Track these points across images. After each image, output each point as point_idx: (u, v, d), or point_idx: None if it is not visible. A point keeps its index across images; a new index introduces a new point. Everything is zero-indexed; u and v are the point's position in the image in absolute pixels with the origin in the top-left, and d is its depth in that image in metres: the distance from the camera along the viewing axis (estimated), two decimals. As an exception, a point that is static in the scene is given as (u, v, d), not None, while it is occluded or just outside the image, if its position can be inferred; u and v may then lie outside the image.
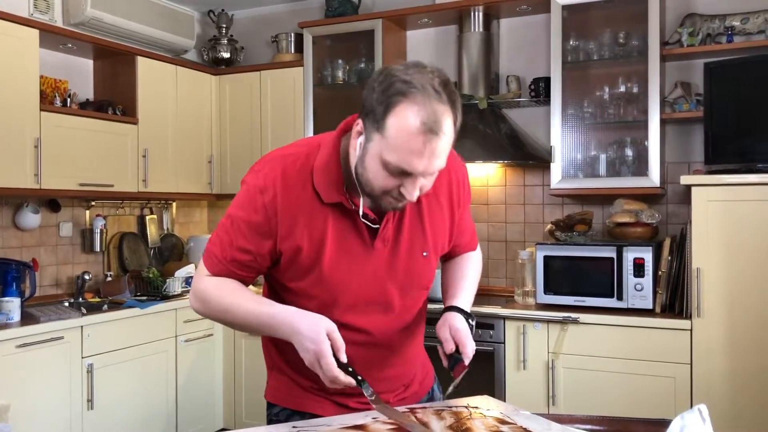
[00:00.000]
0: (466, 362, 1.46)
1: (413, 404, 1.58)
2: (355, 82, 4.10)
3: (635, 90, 3.50)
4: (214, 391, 3.96)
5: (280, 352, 1.57)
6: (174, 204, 4.47)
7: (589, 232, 3.49)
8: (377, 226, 1.42)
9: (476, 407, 1.53)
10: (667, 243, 3.22)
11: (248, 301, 1.41)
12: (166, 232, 4.41)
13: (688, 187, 3.05)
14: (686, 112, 3.43)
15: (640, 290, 3.18)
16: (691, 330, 2.99)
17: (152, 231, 4.23)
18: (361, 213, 1.39)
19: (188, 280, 4.02)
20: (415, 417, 1.47)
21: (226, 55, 4.50)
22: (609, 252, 3.24)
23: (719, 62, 3.21)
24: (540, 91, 3.69)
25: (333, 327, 1.33)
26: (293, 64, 4.21)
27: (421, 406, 1.55)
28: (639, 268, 3.19)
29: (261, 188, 1.37)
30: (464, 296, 1.59)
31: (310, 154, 1.41)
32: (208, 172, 4.35)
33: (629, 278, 3.19)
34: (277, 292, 1.52)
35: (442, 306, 1.59)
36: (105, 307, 3.46)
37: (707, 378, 2.95)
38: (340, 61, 4.12)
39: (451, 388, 1.51)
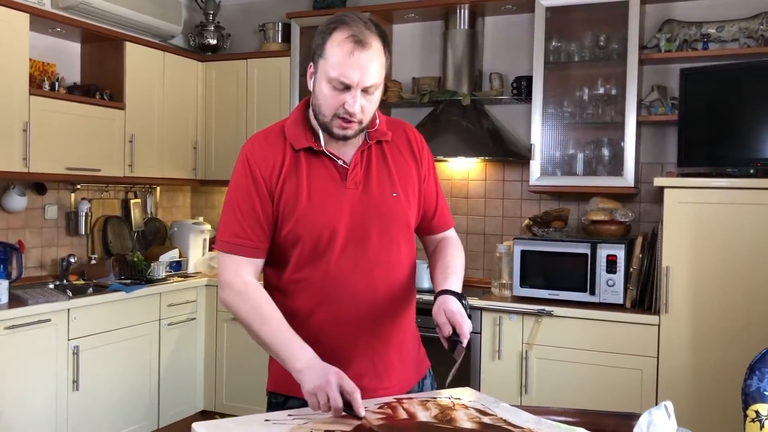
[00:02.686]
0: (464, 342, 1.54)
1: (400, 394, 1.68)
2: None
3: (613, 92, 3.61)
4: (195, 373, 4.04)
5: None
6: (158, 188, 4.51)
7: (564, 229, 3.62)
8: (346, 167, 1.62)
9: (459, 398, 1.64)
10: (639, 241, 3.35)
11: (274, 330, 1.56)
12: (149, 216, 4.45)
13: (661, 188, 3.17)
14: (661, 115, 3.55)
15: (611, 286, 3.31)
16: (658, 325, 3.13)
17: (136, 215, 4.26)
18: (323, 146, 1.61)
19: (172, 265, 4.08)
20: (402, 407, 1.57)
21: (213, 41, 4.53)
22: (583, 248, 3.37)
23: (695, 68, 3.33)
24: (522, 89, 3.79)
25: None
26: (280, 53, 4.25)
27: (407, 396, 1.65)
28: (611, 265, 3.32)
29: (246, 157, 1.62)
30: (454, 279, 1.68)
31: (281, 122, 1.68)
32: (193, 158, 4.39)
33: (602, 274, 3.33)
34: (271, 260, 1.66)
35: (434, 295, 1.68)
36: (90, 290, 3.51)
37: (673, 371, 3.10)
38: (326, 53, 4.16)
39: (450, 377, 1.59)
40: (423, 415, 1.52)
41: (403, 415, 1.52)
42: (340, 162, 1.62)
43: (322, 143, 1.61)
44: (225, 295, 1.62)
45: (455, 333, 1.55)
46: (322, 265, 1.60)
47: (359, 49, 1.50)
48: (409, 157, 1.72)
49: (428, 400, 1.62)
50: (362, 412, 1.42)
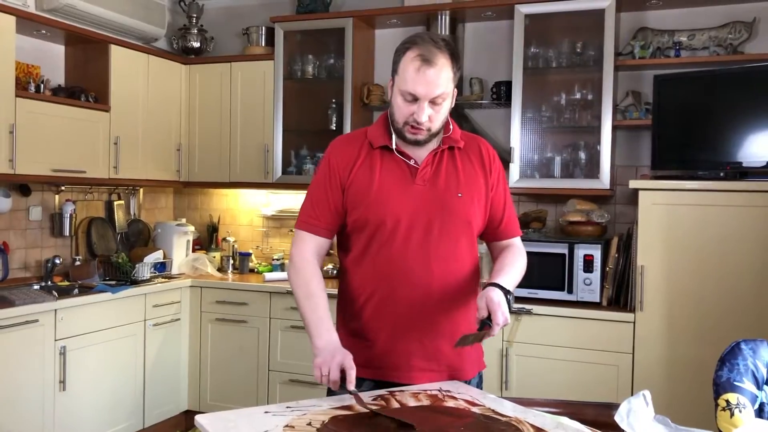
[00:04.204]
0: (495, 330, 1.66)
1: (394, 388, 1.75)
2: (324, 77, 4.22)
3: (590, 97, 3.70)
4: (179, 373, 4.07)
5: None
6: (141, 190, 4.53)
7: (543, 230, 3.72)
8: (417, 166, 1.81)
9: (448, 390, 1.72)
10: (614, 241, 3.46)
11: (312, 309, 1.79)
12: (133, 217, 4.46)
13: (635, 191, 3.27)
14: (636, 119, 3.66)
15: (588, 284, 3.42)
16: (633, 322, 3.23)
17: (119, 216, 4.28)
18: (394, 146, 1.82)
19: (156, 266, 4.10)
20: (395, 399, 1.64)
21: (196, 44, 4.56)
22: (561, 248, 3.47)
23: (667, 75, 3.43)
24: (501, 94, 3.87)
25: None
26: (264, 57, 4.30)
27: (399, 389, 1.73)
28: (588, 264, 3.42)
29: (328, 153, 1.89)
30: (507, 277, 1.81)
31: (363, 129, 1.92)
32: (177, 160, 4.41)
33: (579, 273, 3.43)
34: (344, 244, 1.92)
35: None
36: (76, 291, 3.53)
37: (647, 366, 3.20)
38: (310, 56, 4.23)
39: (459, 341, 1.69)
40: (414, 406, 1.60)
41: (395, 405, 1.60)
42: (411, 162, 1.82)
43: (394, 144, 1.82)
44: (288, 268, 1.88)
45: (488, 319, 1.68)
46: (384, 249, 1.80)
47: (426, 67, 1.71)
48: (478, 166, 1.88)
49: (419, 393, 1.70)
50: (352, 387, 1.61)
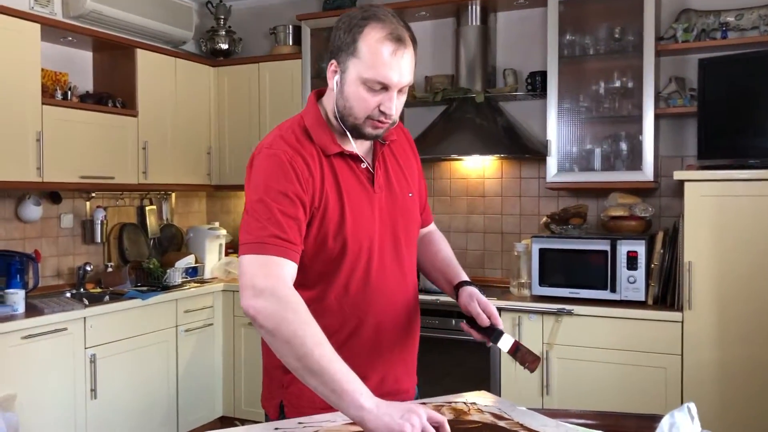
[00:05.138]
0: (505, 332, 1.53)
1: (413, 401, 1.64)
2: (353, 74, 4.12)
3: (630, 85, 3.54)
4: (213, 379, 4.03)
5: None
6: (173, 195, 4.51)
7: (583, 226, 3.55)
8: (372, 170, 1.56)
9: (474, 403, 1.60)
10: (659, 237, 3.28)
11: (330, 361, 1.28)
12: (165, 222, 4.45)
13: (681, 182, 3.10)
14: (680, 107, 3.47)
15: (633, 283, 3.24)
16: (682, 322, 3.05)
17: (152, 221, 4.26)
18: (355, 151, 1.52)
19: (188, 271, 4.07)
20: (416, 412, 1.53)
21: (224, 46, 4.52)
22: (603, 245, 3.30)
23: (713, 58, 3.25)
24: (536, 84, 3.73)
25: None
26: (291, 56, 4.23)
27: (420, 402, 1.61)
28: (632, 261, 3.24)
29: (287, 158, 1.44)
30: (462, 272, 1.68)
31: (298, 123, 1.54)
32: (207, 164, 4.38)
33: (623, 271, 3.25)
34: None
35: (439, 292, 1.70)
36: (107, 298, 3.51)
37: (697, 369, 3.02)
38: (338, 54, 4.13)
39: (536, 364, 1.52)
40: (437, 421, 1.48)
41: (416, 420, 1.48)
42: (364, 165, 1.56)
43: (354, 147, 1.53)
44: (263, 302, 1.31)
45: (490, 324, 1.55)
46: (363, 277, 1.54)
47: (401, 49, 1.43)
48: (410, 156, 1.71)
49: (442, 405, 1.58)
50: None
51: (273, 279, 1.34)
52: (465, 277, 1.66)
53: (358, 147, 1.56)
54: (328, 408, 1.34)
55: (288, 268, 1.39)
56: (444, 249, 1.77)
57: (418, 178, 1.73)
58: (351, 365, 1.28)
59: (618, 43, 3.55)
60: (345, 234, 1.50)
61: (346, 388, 1.23)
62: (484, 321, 1.53)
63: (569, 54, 3.61)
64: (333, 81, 1.49)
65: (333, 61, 1.48)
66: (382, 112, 1.45)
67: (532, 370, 1.55)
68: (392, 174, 1.62)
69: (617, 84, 3.57)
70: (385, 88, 1.43)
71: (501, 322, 1.54)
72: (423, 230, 1.80)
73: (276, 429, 1.45)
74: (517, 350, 1.54)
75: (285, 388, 1.60)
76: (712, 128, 3.19)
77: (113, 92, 3.83)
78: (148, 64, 3.92)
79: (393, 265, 1.60)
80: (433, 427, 1.21)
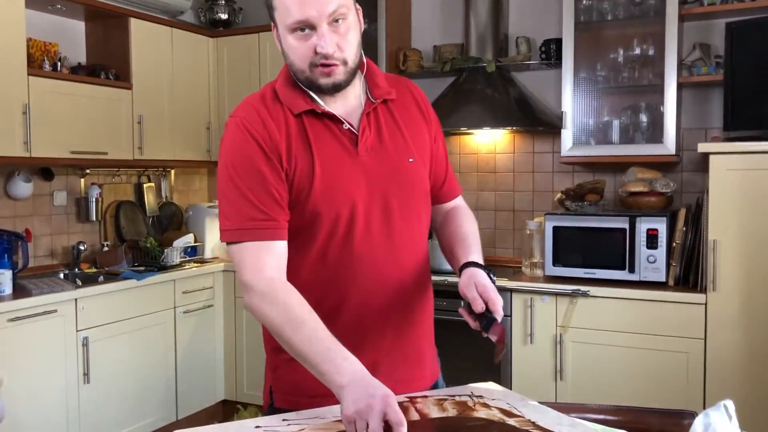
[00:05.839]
0: (499, 320, 1.34)
1: (415, 393, 1.47)
2: (357, 44, 3.93)
3: (651, 52, 3.34)
4: (215, 362, 3.90)
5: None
6: (172, 171, 4.36)
7: (600, 202, 3.36)
8: (355, 131, 1.41)
9: (480, 396, 1.43)
10: (682, 213, 3.08)
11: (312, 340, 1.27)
12: (164, 200, 4.30)
13: (705, 155, 2.91)
14: (704, 75, 3.27)
15: (653, 262, 3.06)
16: (705, 304, 2.88)
17: (150, 199, 4.12)
18: (323, 107, 1.39)
19: (187, 250, 3.93)
20: (415, 408, 1.37)
21: (224, 16, 4.34)
22: (621, 223, 3.11)
23: (742, 22, 3.04)
24: (551, 53, 3.53)
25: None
26: (293, 25, 4.04)
27: (421, 394, 1.45)
28: (652, 240, 3.06)
29: (242, 125, 1.37)
30: (477, 251, 1.49)
31: (271, 85, 1.45)
32: (207, 139, 4.22)
33: (642, 250, 3.07)
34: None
35: (455, 269, 1.48)
36: (101, 278, 3.38)
37: (722, 353, 2.86)
38: (342, 23, 3.95)
39: (501, 356, 1.37)
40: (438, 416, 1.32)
41: (415, 416, 1.32)
42: (346, 126, 1.41)
43: (321, 103, 1.39)
44: (248, 299, 1.34)
45: (487, 310, 1.34)
46: (345, 248, 1.40)
47: None
48: (418, 117, 1.51)
49: (445, 399, 1.41)
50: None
51: (253, 272, 1.33)
52: (474, 257, 1.45)
53: (341, 106, 1.41)
54: (316, 395, 1.32)
55: (269, 251, 1.34)
56: (464, 225, 1.56)
57: (432, 143, 1.53)
58: (343, 341, 1.27)
59: (638, 8, 3.34)
60: (314, 199, 1.37)
61: (323, 370, 1.23)
62: (478, 307, 1.33)
63: (586, 20, 3.41)
64: (278, 44, 1.40)
65: (272, 24, 1.39)
66: (321, 54, 1.32)
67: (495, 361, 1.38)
68: (387, 136, 1.44)
69: (637, 51, 3.38)
70: (312, 27, 1.31)
71: (500, 310, 1.34)
72: (447, 205, 1.62)
73: (257, 427, 1.30)
74: (488, 326, 1.34)
75: (273, 371, 1.51)
76: (739, 98, 2.99)
77: (107, 64, 3.67)
78: (142, 35, 3.74)
79: (382, 237, 1.43)
80: (388, 427, 1.12)
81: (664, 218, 3.06)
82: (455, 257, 1.50)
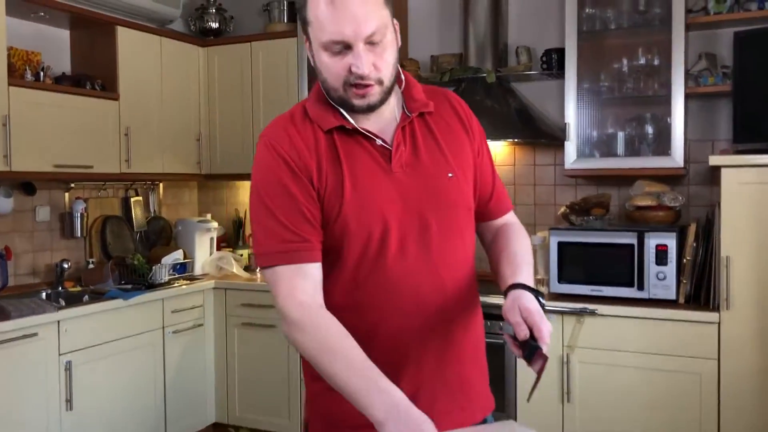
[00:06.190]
0: (545, 349, 1.23)
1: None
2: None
3: (656, 62, 3.24)
4: (205, 384, 3.74)
5: None
6: (161, 185, 4.21)
7: (606, 216, 3.25)
8: (388, 147, 1.34)
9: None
10: (692, 228, 2.97)
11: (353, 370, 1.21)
12: (152, 215, 4.14)
13: (713, 168, 2.82)
14: (711, 86, 3.17)
15: (662, 279, 2.94)
16: (718, 323, 2.76)
17: (138, 214, 3.96)
18: (354, 124, 1.33)
19: (176, 267, 3.78)
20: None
21: (215, 25, 4.21)
22: (629, 238, 3.00)
23: (751, 31, 2.95)
24: (552, 63, 3.42)
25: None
26: (286, 34, 3.92)
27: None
28: (661, 256, 2.95)
29: (271, 145, 1.33)
30: (525, 272, 1.38)
31: (302, 103, 1.41)
32: (197, 151, 4.08)
33: (651, 266, 2.96)
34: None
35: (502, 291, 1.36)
36: (86, 297, 3.22)
37: (736, 375, 2.74)
38: (336, 31, 3.83)
39: (534, 392, 1.26)
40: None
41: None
42: (379, 142, 1.34)
43: (351, 120, 1.33)
44: (284, 327, 1.29)
45: (532, 337, 1.23)
46: (378, 269, 1.33)
47: None
48: (459, 130, 1.43)
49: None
50: None
51: (287, 298, 1.28)
52: (522, 279, 1.34)
53: (375, 121, 1.35)
54: (359, 426, 1.22)
55: (303, 274, 1.29)
56: (513, 244, 1.46)
57: (475, 156, 1.44)
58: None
59: (642, 17, 3.24)
60: (345, 217, 1.30)
61: (362, 404, 1.16)
62: (521, 333, 1.23)
63: (589, 29, 3.30)
64: (312, 60, 1.34)
65: (305, 38, 1.33)
66: (356, 74, 1.26)
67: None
68: (423, 150, 1.37)
69: (642, 61, 3.27)
70: (347, 46, 1.24)
71: (545, 337, 1.23)
72: (496, 222, 1.53)
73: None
74: (531, 354, 1.24)
75: (311, 402, 1.44)
76: (749, 109, 2.89)
77: (92, 74, 3.52)
78: (130, 43, 3.60)
79: (419, 257, 1.34)
80: None
81: (674, 233, 2.95)
82: (502, 277, 1.39)
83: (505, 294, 1.33)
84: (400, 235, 1.32)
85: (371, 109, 1.30)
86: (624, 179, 3.35)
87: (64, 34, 3.65)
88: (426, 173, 1.35)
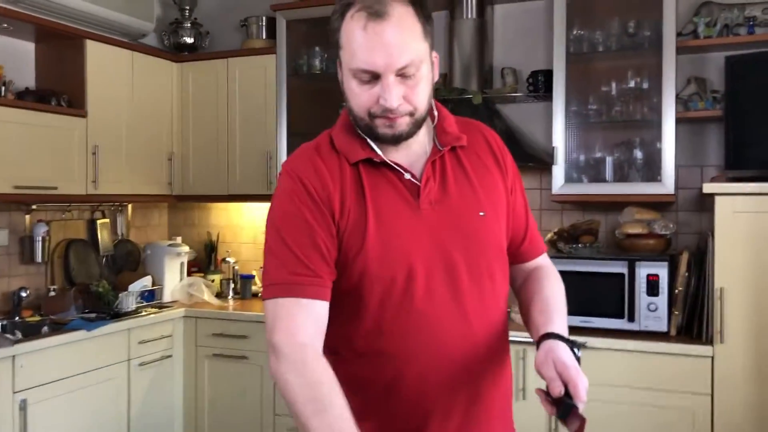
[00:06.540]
0: (581, 408, 1.11)
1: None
2: (334, 71, 3.67)
3: (645, 85, 3.16)
4: (173, 419, 3.53)
5: None
6: (129, 207, 4.02)
7: (595, 244, 3.14)
8: (417, 182, 1.27)
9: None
10: (684, 258, 2.88)
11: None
12: (120, 238, 3.95)
13: (707, 195, 2.73)
14: (701, 110, 3.11)
15: (653, 310, 2.84)
16: (712, 357, 2.67)
17: (104, 237, 3.76)
18: (382, 156, 1.26)
19: (143, 295, 3.58)
20: None
21: (190, 40, 4.06)
22: (620, 267, 2.89)
23: (742, 56, 2.90)
24: (539, 85, 3.33)
25: None
26: (265, 51, 3.79)
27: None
28: (653, 286, 2.85)
29: (294, 174, 1.27)
30: (559, 320, 1.30)
31: (328, 132, 1.35)
32: (169, 171, 3.90)
33: (642, 297, 2.86)
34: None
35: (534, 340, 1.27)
36: (45, 329, 3.02)
37: (730, 411, 2.64)
38: (317, 49, 3.71)
39: None
40: None
41: None
42: (407, 176, 1.27)
43: (379, 151, 1.26)
44: (273, 364, 1.18)
45: (567, 394, 1.13)
46: (402, 314, 1.24)
47: (376, 22, 1.16)
48: (492, 166, 1.36)
49: None
50: None
51: (285, 334, 1.18)
52: (556, 327, 1.25)
53: (404, 155, 1.28)
54: None
55: (307, 311, 1.19)
56: (546, 289, 1.37)
57: (508, 194, 1.36)
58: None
59: (632, 39, 3.17)
60: (366, 257, 1.22)
61: None
62: (555, 390, 1.12)
63: (577, 51, 3.22)
64: (341, 82, 1.28)
65: (338, 59, 1.27)
66: (383, 107, 1.19)
67: None
68: (453, 186, 1.30)
69: (631, 84, 3.20)
70: (376, 76, 1.18)
71: (582, 395, 1.12)
72: (529, 264, 1.45)
73: None
74: (566, 413, 1.13)
75: None
76: (741, 135, 2.83)
77: (59, 89, 3.35)
78: (99, 58, 3.44)
79: (446, 301, 1.25)
80: None
81: (665, 263, 2.85)
82: (534, 325, 1.29)
83: (537, 344, 1.22)
84: (426, 278, 1.24)
85: (398, 140, 1.23)
86: (611, 205, 3.26)
87: (29, 47, 3.47)
88: (456, 211, 1.28)
